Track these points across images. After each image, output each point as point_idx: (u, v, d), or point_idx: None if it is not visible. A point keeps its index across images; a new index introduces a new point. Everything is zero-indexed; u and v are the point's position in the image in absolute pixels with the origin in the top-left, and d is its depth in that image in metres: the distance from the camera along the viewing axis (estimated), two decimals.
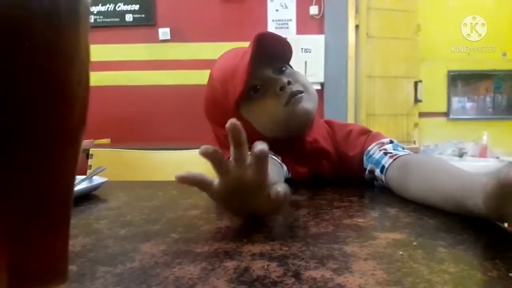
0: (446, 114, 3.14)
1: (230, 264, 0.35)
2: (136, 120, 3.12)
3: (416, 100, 2.97)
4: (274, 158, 0.72)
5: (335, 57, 2.94)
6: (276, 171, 0.66)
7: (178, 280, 0.32)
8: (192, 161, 1.26)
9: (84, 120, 0.26)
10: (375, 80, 2.98)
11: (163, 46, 3.05)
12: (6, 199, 0.23)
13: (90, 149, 1.33)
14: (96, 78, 3.17)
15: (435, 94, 3.10)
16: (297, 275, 0.32)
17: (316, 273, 0.33)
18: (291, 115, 0.74)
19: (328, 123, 0.88)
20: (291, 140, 0.78)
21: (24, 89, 0.23)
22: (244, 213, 0.50)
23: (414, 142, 3.00)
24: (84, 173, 1.01)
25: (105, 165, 1.29)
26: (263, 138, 0.44)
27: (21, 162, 0.23)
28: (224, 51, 0.85)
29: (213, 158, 0.42)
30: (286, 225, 0.49)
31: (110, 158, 1.34)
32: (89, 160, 1.30)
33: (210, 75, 0.83)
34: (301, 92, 0.75)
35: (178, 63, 3.04)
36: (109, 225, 0.50)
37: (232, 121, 0.41)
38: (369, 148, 0.78)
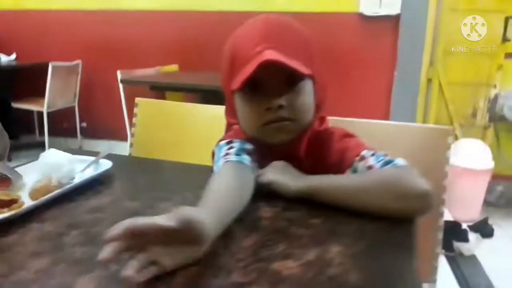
0: None
1: None
2: (205, 46, 3.09)
3: (504, 39, 2.63)
4: (246, 165, 0.72)
5: None
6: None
7: None
8: None
9: None
10: (459, 13, 2.66)
11: None
12: None
13: (136, 99, 1.39)
14: (167, 3, 3.20)
15: None
16: None
17: None
18: (265, 137, 0.73)
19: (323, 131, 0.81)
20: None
21: None
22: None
23: (495, 86, 2.72)
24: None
25: (147, 116, 1.37)
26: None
27: None
28: None
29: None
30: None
31: (153, 110, 1.41)
32: (135, 109, 1.37)
33: (231, 42, 0.77)
34: (288, 119, 0.71)
35: None
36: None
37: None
38: (354, 165, 0.74)
